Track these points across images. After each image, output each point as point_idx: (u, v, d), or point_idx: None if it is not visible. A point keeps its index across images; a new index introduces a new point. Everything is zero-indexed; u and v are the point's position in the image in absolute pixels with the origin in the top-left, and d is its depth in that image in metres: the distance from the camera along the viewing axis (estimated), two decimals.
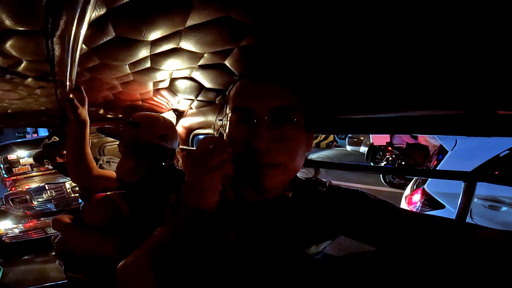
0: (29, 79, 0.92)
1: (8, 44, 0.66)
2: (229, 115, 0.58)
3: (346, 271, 0.57)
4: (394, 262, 0.55)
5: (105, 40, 0.70)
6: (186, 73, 1.03)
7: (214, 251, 0.58)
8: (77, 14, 0.45)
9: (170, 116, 1.70)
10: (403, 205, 2.87)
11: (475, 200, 2.30)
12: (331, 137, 11.43)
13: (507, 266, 0.44)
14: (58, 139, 1.93)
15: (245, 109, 0.55)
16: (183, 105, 1.55)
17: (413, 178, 3.34)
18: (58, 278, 2.77)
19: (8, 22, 0.55)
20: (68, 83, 0.85)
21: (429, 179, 2.66)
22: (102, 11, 0.56)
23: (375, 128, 0.82)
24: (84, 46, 0.72)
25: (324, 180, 0.67)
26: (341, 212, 0.60)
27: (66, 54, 0.62)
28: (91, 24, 0.58)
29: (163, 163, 1.28)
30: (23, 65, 0.79)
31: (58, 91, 1.08)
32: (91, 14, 0.46)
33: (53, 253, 3.41)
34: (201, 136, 1.76)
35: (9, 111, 1.53)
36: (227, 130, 0.59)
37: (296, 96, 0.56)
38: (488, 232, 0.50)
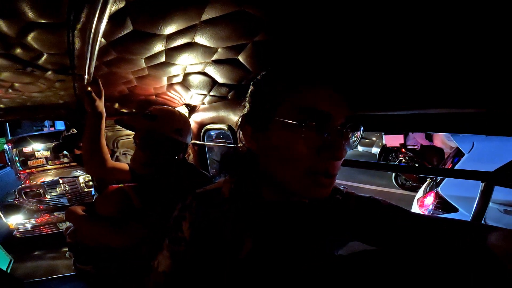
0: (49, 72, 0.95)
1: (30, 37, 0.68)
2: (299, 115, 0.50)
3: (353, 270, 0.57)
4: (396, 261, 0.55)
5: (123, 33, 0.71)
6: (199, 68, 1.04)
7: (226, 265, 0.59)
8: (99, 7, 0.46)
9: (183, 111, 1.72)
10: (415, 207, 2.83)
11: (490, 204, 2.24)
12: None
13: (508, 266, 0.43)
14: (76, 131, 1.97)
15: (322, 113, 0.49)
16: (195, 100, 1.57)
17: (425, 181, 3.27)
18: (66, 274, 2.77)
19: (31, 15, 0.57)
20: (86, 76, 0.87)
21: (443, 182, 2.61)
22: (122, 5, 0.57)
23: (391, 126, 0.82)
24: (102, 40, 0.74)
25: (340, 187, 0.67)
26: (356, 218, 0.61)
27: (86, 47, 0.63)
28: (111, 17, 0.59)
29: (176, 157, 1.30)
30: (44, 58, 0.81)
31: (76, 84, 1.11)
32: (112, 7, 0.47)
33: (64, 249, 3.41)
34: (213, 132, 1.78)
35: (28, 104, 1.58)
36: (283, 126, 0.52)
37: None
38: (494, 232, 0.49)
